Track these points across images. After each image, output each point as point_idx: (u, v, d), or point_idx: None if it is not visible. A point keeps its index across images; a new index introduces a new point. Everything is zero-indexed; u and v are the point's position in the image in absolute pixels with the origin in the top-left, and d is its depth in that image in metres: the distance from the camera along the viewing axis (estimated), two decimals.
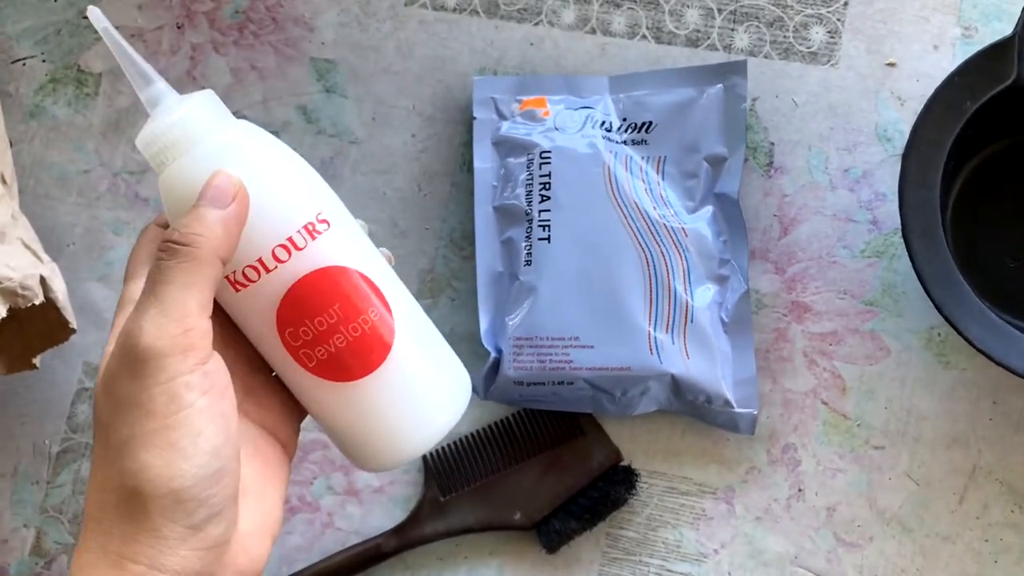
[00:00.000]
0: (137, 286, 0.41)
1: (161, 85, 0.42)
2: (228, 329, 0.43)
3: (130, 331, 0.38)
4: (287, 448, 0.44)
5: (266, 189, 0.41)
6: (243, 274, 0.41)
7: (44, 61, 0.63)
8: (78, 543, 0.39)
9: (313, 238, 0.41)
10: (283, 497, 0.43)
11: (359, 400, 0.42)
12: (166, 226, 0.43)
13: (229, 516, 0.38)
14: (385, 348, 0.42)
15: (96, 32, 0.63)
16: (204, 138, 0.41)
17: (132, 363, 0.37)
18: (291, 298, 0.41)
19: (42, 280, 0.53)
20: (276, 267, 0.41)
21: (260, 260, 0.41)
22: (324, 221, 0.42)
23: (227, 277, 0.41)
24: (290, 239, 0.41)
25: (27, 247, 0.55)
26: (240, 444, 0.40)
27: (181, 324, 0.37)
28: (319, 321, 0.41)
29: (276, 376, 0.44)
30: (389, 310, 0.42)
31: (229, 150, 0.41)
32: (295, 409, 0.45)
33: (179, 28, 0.63)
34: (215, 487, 0.37)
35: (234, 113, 0.61)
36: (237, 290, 0.42)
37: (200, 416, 0.37)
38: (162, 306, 0.38)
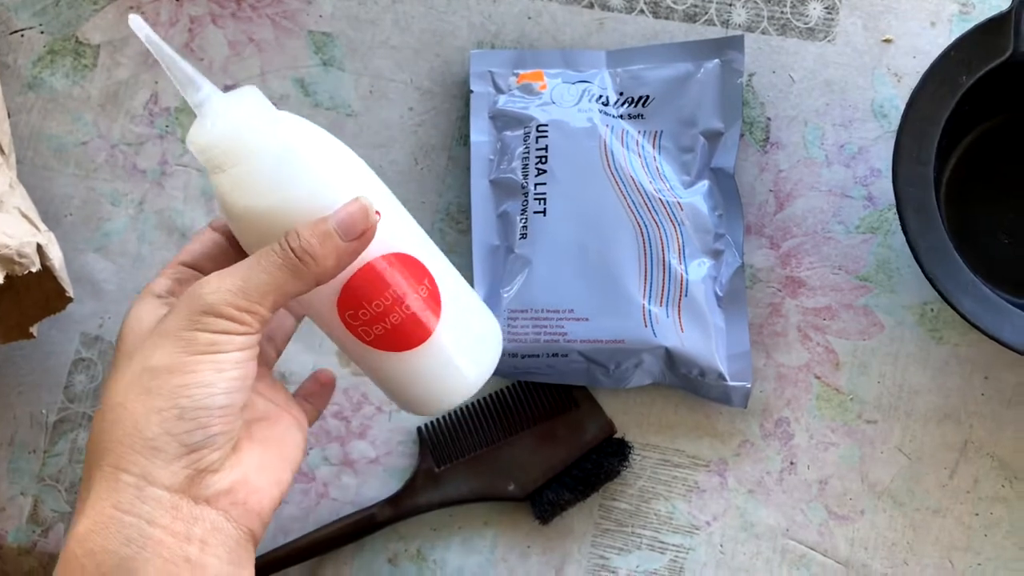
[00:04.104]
0: (160, 283, 0.45)
1: (208, 88, 0.43)
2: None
3: (206, 285, 0.41)
4: (298, 419, 0.47)
5: (323, 186, 0.43)
6: None
7: (42, 32, 0.63)
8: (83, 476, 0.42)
9: None
10: (292, 455, 0.46)
11: (410, 366, 0.46)
12: (222, 230, 0.47)
13: (223, 449, 0.41)
14: (434, 322, 0.45)
15: (95, 3, 0.63)
16: (259, 148, 0.42)
17: (192, 309, 0.41)
18: (350, 287, 0.43)
19: (39, 248, 0.53)
20: None
21: None
22: (376, 212, 0.43)
23: None
24: None
25: (24, 216, 0.55)
26: (248, 403, 0.43)
27: (250, 306, 0.41)
28: (376, 304, 0.44)
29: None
30: (437, 288, 0.45)
31: (286, 160, 0.42)
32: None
33: (177, 0, 0.63)
34: (217, 420, 0.41)
35: (233, 86, 0.62)
36: None
37: (228, 362, 0.41)
38: (245, 285, 0.41)
